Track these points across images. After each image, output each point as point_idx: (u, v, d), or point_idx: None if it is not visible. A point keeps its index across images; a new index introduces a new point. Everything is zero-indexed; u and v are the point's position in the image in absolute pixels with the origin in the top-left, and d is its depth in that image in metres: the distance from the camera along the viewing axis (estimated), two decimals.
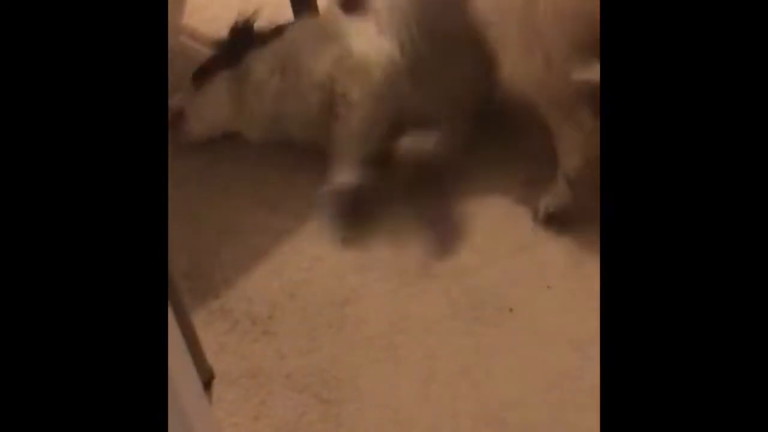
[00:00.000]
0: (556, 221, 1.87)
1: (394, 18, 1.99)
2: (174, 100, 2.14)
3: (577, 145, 1.79)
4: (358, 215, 1.95)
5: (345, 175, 1.96)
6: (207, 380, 1.68)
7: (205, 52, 2.34)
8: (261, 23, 2.17)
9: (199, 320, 1.76)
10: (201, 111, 2.17)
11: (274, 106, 2.09)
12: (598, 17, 0.97)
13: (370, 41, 1.99)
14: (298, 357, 1.72)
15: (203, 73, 2.17)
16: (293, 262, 1.89)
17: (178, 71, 2.27)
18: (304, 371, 1.69)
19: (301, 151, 2.13)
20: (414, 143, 1.98)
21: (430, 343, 1.71)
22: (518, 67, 1.75)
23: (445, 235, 1.92)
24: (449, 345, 1.70)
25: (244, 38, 2.13)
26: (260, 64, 2.10)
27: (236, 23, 2.13)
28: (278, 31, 2.14)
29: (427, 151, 1.98)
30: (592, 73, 1.65)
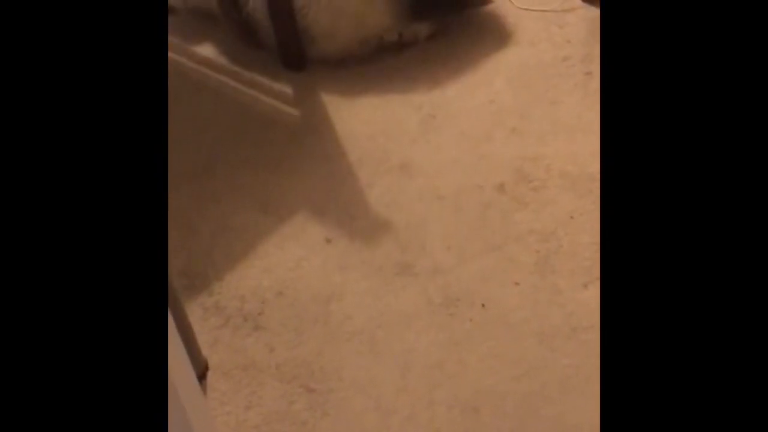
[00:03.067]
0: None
1: None
2: None
3: None
4: None
5: None
6: (202, 372, 1.69)
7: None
8: None
9: (194, 316, 1.78)
10: None
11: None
12: None
13: None
14: (286, 350, 1.72)
15: None
16: (282, 262, 1.90)
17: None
18: (292, 363, 1.70)
19: (290, 151, 2.17)
20: None
21: (407, 337, 1.72)
22: None
23: None
24: (425, 339, 1.71)
25: None
26: None
27: None
28: None
29: None
30: None
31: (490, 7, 2.55)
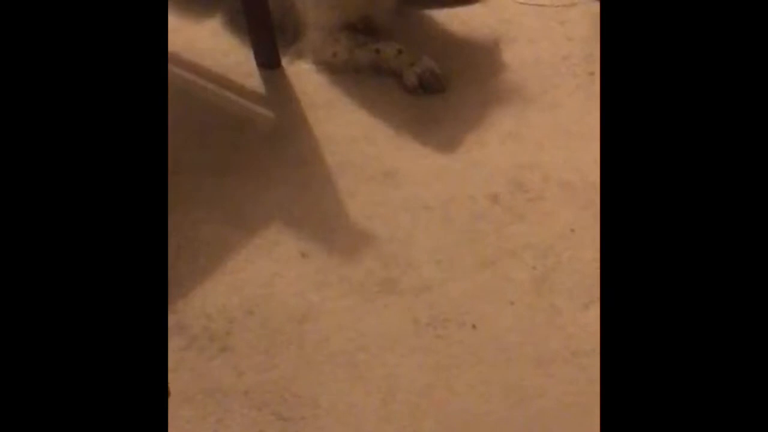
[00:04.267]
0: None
1: None
2: None
3: None
4: None
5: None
6: None
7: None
8: None
9: None
10: None
11: None
12: None
13: None
14: (256, 374, 1.69)
15: None
16: (252, 278, 1.88)
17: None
18: (263, 388, 1.67)
19: (263, 156, 2.15)
20: None
21: (390, 360, 1.70)
22: None
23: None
24: (410, 362, 1.69)
25: None
26: None
27: None
28: None
29: None
30: None
31: (486, 1, 2.58)
